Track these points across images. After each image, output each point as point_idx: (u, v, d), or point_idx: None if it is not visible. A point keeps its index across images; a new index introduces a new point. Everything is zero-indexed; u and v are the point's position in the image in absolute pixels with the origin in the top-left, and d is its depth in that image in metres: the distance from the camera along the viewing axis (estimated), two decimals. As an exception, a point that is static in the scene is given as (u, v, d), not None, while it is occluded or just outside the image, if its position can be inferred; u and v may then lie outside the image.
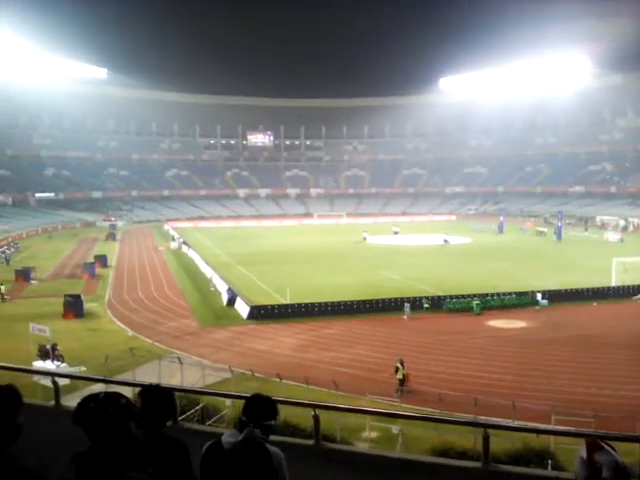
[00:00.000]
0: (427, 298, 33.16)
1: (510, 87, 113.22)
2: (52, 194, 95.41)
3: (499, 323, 30.23)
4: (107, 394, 2.55)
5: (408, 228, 77.15)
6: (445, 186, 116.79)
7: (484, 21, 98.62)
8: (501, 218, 75.37)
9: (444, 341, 27.03)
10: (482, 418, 12.21)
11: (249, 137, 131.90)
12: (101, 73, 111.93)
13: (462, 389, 19.50)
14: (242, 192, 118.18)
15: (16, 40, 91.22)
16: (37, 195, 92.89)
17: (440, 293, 34.46)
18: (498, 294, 34.16)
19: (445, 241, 62.44)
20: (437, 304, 32.95)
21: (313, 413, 5.53)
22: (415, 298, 32.91)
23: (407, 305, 31.31)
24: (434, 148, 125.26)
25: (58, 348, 23.09)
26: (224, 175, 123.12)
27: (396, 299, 32.80)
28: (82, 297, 33.32)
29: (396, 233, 71.86)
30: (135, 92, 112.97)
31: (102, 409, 2.46)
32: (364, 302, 32.67)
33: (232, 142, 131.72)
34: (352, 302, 32.61)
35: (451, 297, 33.52)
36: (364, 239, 66.29)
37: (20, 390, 2.59)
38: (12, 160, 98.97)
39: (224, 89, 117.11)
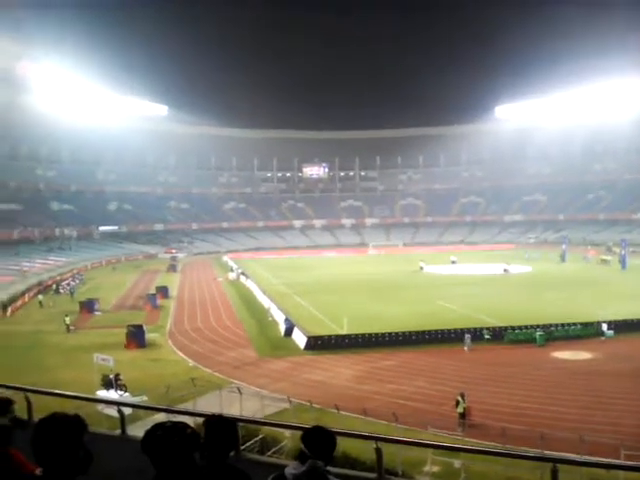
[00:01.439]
0: (488, 329, 32.41)
1: (568, 114, 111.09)
2: (115, 227, 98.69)
3: (564, 354, 29.20)
4: (174, 424, 2.61)
5: (466, 257, 75.92)
6: (503, 214, 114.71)
7: (540, 48, 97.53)
8: (563, 246, 73.25)
9: (506, 373, 26.28)
10: (549, 453, 11.75)
11: (304, 169, 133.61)
12: (162, 110, 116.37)
13: (526, 423, 18.84)
14: (298, 223, 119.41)
15: (80, 79, 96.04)
16: (101, 228, 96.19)
17: (501, 323, 33.62)
18: (562, 324, 33.06)
19: (505, 270, 61.04)
20: (498, 335, 32.13)
21: (375, 446, 5.46)
22: (475, 329, 32.21)
23: (467, 336, 30.64)
24: (491, 176, 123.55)
25: (121, 378, 23.59)
26: (280, 207, 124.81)
27: (456, 330, 32.17)
28: (144, 327, 34.06)
29: (454, 262, 70.80)
30: (195, 128, 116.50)
31: (168, 438, 2.52)
32: (422, 333, 32.18)
33: (288, 175, 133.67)
34: (410, 333, 32.18)
35: (513, 328, 32.66)
36: (421, 268, 65.56)
37: (86, 419, 2.66)
38: (77, 195, 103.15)
39: (280, 123, 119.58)
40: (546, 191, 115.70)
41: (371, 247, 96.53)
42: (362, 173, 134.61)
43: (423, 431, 16.96)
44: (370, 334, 31.96)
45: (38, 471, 2.52)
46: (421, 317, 36.98)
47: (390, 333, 32.06)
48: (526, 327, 32.60)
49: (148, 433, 2.55)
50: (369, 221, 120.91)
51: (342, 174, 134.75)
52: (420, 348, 30.56)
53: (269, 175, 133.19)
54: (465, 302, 41.89)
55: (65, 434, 2.49)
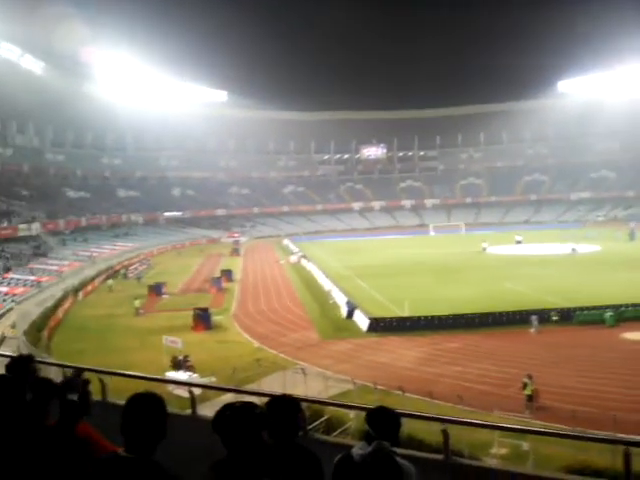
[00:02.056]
0: (555, 310, 31.59)
1: (636, 87, 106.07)
2: (179, 213, 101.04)
3: (635, 335, 28.18)
4: (243, 404, 2.67)
5: (532, 236, 73.94)
6: (570, 192, 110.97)
7: (605, 19, 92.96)
8: (632, 224, 70.36)
9: (575, 355, 25.61)
10: (621, 435, 11.41)
11: (362, 151, 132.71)
12: (222, 96, 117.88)
13: (597, 405, 18.36)
14: (356, 205, 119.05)
15: (142, 66, 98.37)
16: (165, 214, 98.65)
17: (569, 304, 32.66)
18: (633, 305, 31.84)
19: (573, 250, 59.09)
20: (566, 316, 31.25)
21: (442, 427, 5.44)
22: (542, 310, 31.42)
23: (534, 318, 29.93)
24: (556, 153, 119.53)
25: (189, 359, 24.29)
26: (338, 189, 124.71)
27: (521, 311, 31.46)
28: (210, 310, 34.90)
29: (519, 242, 69.14)
30: (253, 113, 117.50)
31: (238, 418, 2.58)
32: (487, 315, 31.66)
33: (346, 157, 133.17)
34: (474, 315, 31.73)
35: (581, 309, 31.70)
36: (484, 249, 64.37)
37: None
38: (141, 181, 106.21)
39: (337, 105, 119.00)
40: (614, 168, 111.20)
41: (432, 228, 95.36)
42: (421, 153, 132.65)
43: (489, 413, 16.74)
44: (433, 316, 31.70)
45: (120, 450, 2.62)
46: (485, 299, 36.37)
47: (454, 315, 31.71)
48: (595, 308, 31.59)
49: (219, 413, 2.63)
50: (429, 202, 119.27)
51: (401, 154, 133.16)
52: (485, 330, 30.08)
53: (327, 158, 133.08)
54: (531, 283, 40.93)
55: (155, 412, 2.61)
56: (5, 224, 57.81)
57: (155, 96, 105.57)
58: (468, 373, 23.63)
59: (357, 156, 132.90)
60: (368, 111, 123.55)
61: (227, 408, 2.65)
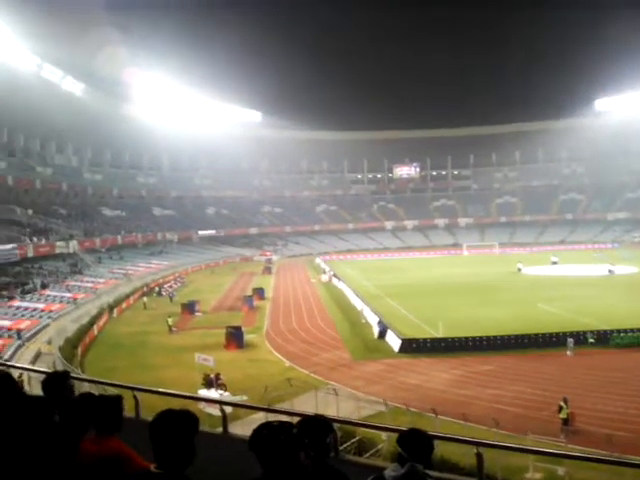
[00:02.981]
0: (592, 332, 30.88)
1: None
2: (213, 231, 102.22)
3: (675, 359, 27.36)
4: (281, 423, 2.66)
5: (568, 257, 72.64)
6: (607, 212, 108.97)
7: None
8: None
9: (612, 378, 24.93)
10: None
11: (395, 170, 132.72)
12: (256, 116, 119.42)
13: (633, 430, 17.83)
14: (389, 224, 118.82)
15: (178, 87, 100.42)
16: (200, 232, 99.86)
17: (606, 327, 31.91)
18: (674, 328, 30.99)
19: (610, 271, 57.85)
20: (603, 339, 30.52)
21: (475, 451, 5.35)
22: (578, 332, 30.76)
23: (570, 340, 29.29)
24: (592, 172, 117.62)
25: (221, 377, 24.35)
26: (371, 208, 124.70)
27: (557, 333, 30.82)
28: (242, 328, 35.01)
29: (554, 263, 67.97)
30: (287, 133, 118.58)
31: (275, 437, 2.58)
32: (522, 336, 31.08)
33: (378, 176, 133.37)
34: (509, 336, 31.16)
35: (619, 331, 30.92)
36: (519, 270, 63.42)
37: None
38: (177, 200, 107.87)
39: (370, 124, 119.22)
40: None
41: (465, 248, 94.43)
42: (455, 172, 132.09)
43: (524, 437, 16.35)
44: (467, 338, 31.24)
45: (152, 467, 2.64)
46: (520, 320, 35.75)
47: (488, 337, 31.19)
48: (632, 330, 30.77)
49: (256, 432, 2.62)
50: (463, 221, 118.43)
51: (434, 173, 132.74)
52: (520, 352, 29.51)
53: (359, 177, 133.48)
54: (567, 304, 40.11)
55: (181, 429, 2.62)
56: (43, 242, 59.14)
57: (190, 116, 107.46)
58: (502, 396, 23.19)
59: (390, 175, 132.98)
60: (401, 130, 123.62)
61: (264, 427, 2.65)
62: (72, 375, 4.27)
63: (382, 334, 34.33)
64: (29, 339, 34.05)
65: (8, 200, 70.67)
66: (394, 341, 32.21)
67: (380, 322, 36.03)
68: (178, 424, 2.63)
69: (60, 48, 70.69)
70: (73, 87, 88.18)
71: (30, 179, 79.74)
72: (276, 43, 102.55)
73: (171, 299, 52.47)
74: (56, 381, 3.97)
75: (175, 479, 2.57)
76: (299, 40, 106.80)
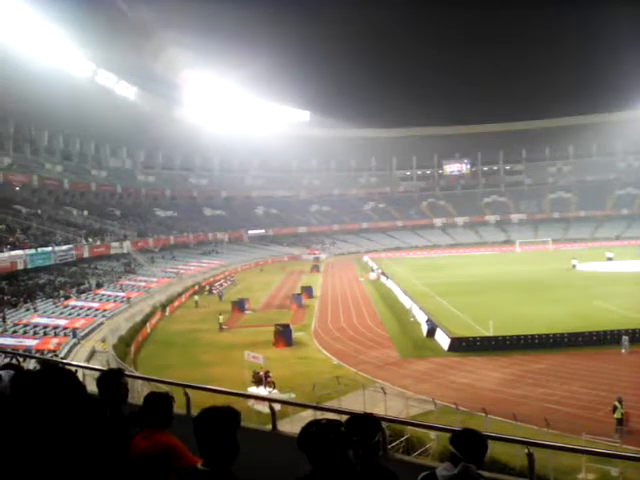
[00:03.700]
0: (649, 330, 29.87)
1: None
2: (262, 231, 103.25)
3: None
4: (329, 421, 2.68)
5: (624, 253, 70.38)
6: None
7: None
8: None
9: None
10: None
11: (445, 166, 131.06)
12: (304, 116, 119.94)
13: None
14: (439, 221, 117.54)
15: (228, 88, 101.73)
16: (249, 232, 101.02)
17: (664, 325, 30.80)
18: None
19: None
20: (661, 337, 29.51)
21: (527, 451, 5.27)
22: (634, 330, 29.77)
23: (625, 338, 28.39)
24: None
25: (270, 375, 24.57)
26: (420, 205, 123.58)
27: (612, 331, 29.92)
28: (291, 326, 35.26)
29: (610, 259, 65.99)
30: (335, 131, 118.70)
31: (324, 435, 2.59)
32: (576, 334, 30.30)
33: (428, 172, 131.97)
34: (562, 334, 30.43)
35: (678, 329, 29.83)
36: (573, 266, 61.83)
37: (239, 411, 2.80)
38: (227, 201, 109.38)
39: (419, 121, 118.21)
40: None
41: (518, 244, 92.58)
42: (507, 167, 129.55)
43: (577, 437, 15.95)
44: (519, 336, 30.64)
45: (199, 464, 2.68)
46: (574, 318, 34.87)
47: (540, 335, 30.54)
48: (694, 329, 29.66)
49: (304, 429, 2.64)
50: (515, 217, 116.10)
51: (485, 169, 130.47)
52: (573, 351, 28.78)
53: (408, 174, 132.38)
54: (623, 302, 38.87)
55: (223, 425, 2.66)
56: (98, 242, 60.84)
57: (241, 117, 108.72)
58: (555, 395, 22.66)
59: (439, 171, 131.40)
60: (450, 126, 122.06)
61: (313, 425, 2.66)
62: (125, 373, 4.39)
63: (431, 332, 34.02)
64: (84, 337, 35.04)
65: (65, 202, 73.11)
66: (443, 340, 31.87)
67: (429, 320, 35.70)
68: (220, 420, 2.65)
69: (114, 53, 72.65)
70: (127, 91, 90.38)
71: (86, 182, 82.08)
72: (325, 43, 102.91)
73: (220, 298, 53.18)
74: (110, 379, 4.07)
75: (221, 476, 2.59)
76: (347, 39, 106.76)
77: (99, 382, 4.03)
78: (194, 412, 7.26)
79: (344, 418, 3.28)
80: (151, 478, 3.17)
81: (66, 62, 74.45)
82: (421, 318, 37.62)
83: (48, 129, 79.17)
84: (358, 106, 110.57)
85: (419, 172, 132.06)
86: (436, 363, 28.63)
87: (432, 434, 14.70)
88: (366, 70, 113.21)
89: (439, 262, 77.12)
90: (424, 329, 35.03)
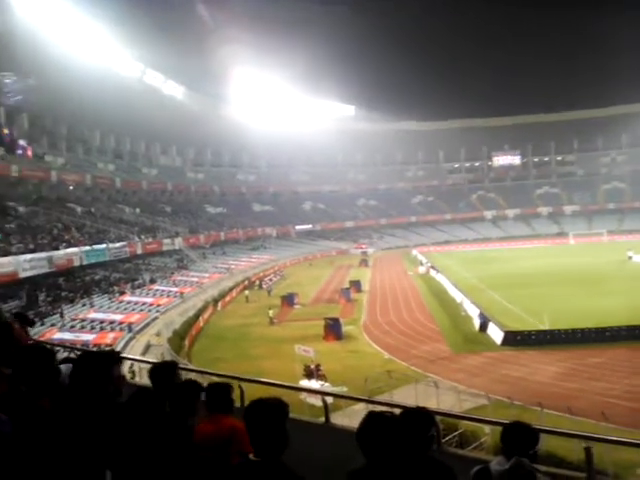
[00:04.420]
0: None
1: None
2: (310, 226, 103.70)
3: None
4: (382, 413, 2.68)
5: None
6: None
7: None
8: None
9: None
10: None
11: (494, 158, 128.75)
12: (349, 110, 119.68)
13: None
14: (489, 214, 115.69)
15: (274, 84, 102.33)
16: (297, 227, 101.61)
17: None
18: None
19: None
20: None
21: (584, 445, 5.16)
22: (697, 322, 28.72)
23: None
24: None
25: (321, 368, 24.67)
26: (469, 198, 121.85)
27: (673, 324, 28.96)
28: (340, 320, 35.33)
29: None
30: (380, 125, 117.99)
31: (381, 428, 2.59)
32: (634, 327, 29.36)
33: (476, 164, 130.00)
34: (620, 327, 29.56)
35: None
36: (629, 258, 59.91)
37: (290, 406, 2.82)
38: (274, 196, 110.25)
39: (466, 112, 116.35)
40: None
41: (571, 236, 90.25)
42: (558, 158, 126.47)
43: (636, 431, 15.48)
44: (574, 329, 29.91)
45: (251, 455, 2.72)
46: (631, 310, 33.71)
47: (597, 328, 29.73)
48: None
49: (363, 423, 2.65)
50: (568, 208, 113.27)
51: (536, 160, 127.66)
52: (632, 344, 27.86)
53: (456, 166, 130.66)
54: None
55: (272, 416, 2.68)
56: (151, 239, 62.21)
57: (286, 113, 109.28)
58: (613, 389, 22.05)
59: (489, 163, 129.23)
60: (500, 117, 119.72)
61: (372, 417, 2.67)
62: (180, 366, 4.50)
63: (483, 327, 33.54)
64: (139, 332, 35.96)
65: (117, 200, 75.05)
66: (496, 334, 31.39)
67: (481, 314, 35.21)
68: (268, 412, 2.68)
69: (161, 53, 73.98)
70: (174, 90, 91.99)
71: (137, 180, 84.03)
72: (370, 37, 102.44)
73: (269, 293, 53.54)
74: (164, 371, 4.18)
75: (272, 467, 2.61)
76: (390, 30, 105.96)
77: (152, 374, 4.14)
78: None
79: (397, 412, 3.27)
80: (216, 459, 3.27)
81: (115, 63, 76.37)
82: (473, 312, 37.13)
83: (100, 129, 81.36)
84: (403, 99, 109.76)
85: (467, 164, 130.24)
86: (489, 357, 28.24)
87: (486, 428, 14.52)
88: (412, 62, 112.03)
89: (490, 255, 75.87)
90: (476, 323, 34.59)
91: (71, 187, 68.65)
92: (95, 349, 23.61)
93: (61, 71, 60.07)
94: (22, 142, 64.23)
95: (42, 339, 25.44)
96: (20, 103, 63.55)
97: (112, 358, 3.27)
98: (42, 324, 33.70)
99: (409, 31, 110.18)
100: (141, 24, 67.69)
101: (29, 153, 64.86)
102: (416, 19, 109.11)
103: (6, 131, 62.26)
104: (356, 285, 52.15)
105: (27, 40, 55.76)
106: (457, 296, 44.11)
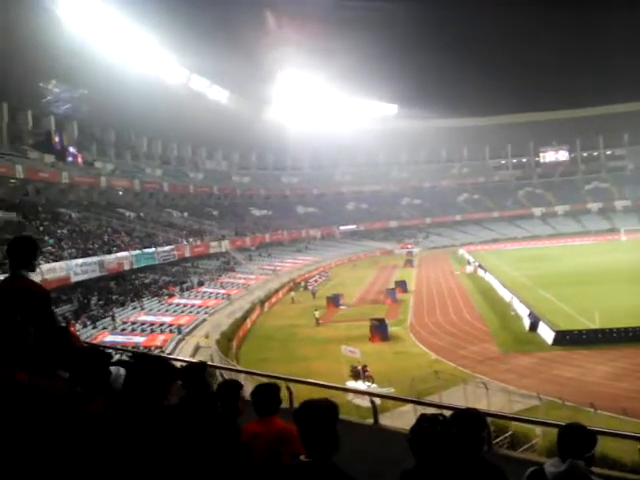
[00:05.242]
0: None
1: None
2: (354, 226, 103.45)
3: None
4: (435, 416, 2.69)
5: None
6: None
7: None
8: None
9: None
10: None
11: (541, 153, 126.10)
12: (392, 109, 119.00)
13: None
14: (537, 211, 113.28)
15: (316, 85, 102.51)
16: (341, 228, 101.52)
17: None
18: None
19: None
20: None
21: (639, 446, 5.05)
22: None
23: None
24: None
25: (368, 369, 24.64)
26: (517, 195, 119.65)
27: None
28: (386, 321, 35.19)
29: None
30: (423, 122, 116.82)
31: (431, 430, 2.60)
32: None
33: (524, 160, 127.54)
34: (677, 326, 28.60)
35: None
36: (686, 254, 57.85)
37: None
38: (318, 198, 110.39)
39: (512, 108, 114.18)
40: None
41: (623, 233, 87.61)
42: (608, 152, 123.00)
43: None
44: (626, 328, 29.07)
45: (302, 456, 2.76)
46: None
47: (652, 327, 28.84)
48: None
49: (415, 425, 2.67)
50: (619, 204, 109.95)
51: (584, 154, 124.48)
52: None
53: (503, 162, 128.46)
54: None
55: (323, 417, 2.71)
56: (198, 242, 63.21)
57: (328, 114, 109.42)
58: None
59: (536, 159, 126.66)
60: (546, 112, 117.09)
61: (423, 420, 2.69)
62: (229, 367, 4.61)
63: (533, 326, 32.92)
64: (188, 334, 36.59)
65: (165, 205, 76.53)
66: (547, 333, 30.77)
67: (531, 314, 34.56)
68: (319, 413, 2.71)
69: (206, 58, 75.13)
70: (219, 95, 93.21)
71: (184, 184, 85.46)
72: (410, 34, 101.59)
73: (314, 295, 53.14)
74: (194, 372, 4.29)
75: (323, 467, 2.64)
76: (433, 28, 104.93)
77: (184, 374, 4.24)
78: (296, 405, 7.42)
79: (445, 413, 3.27)
80: (267, 461, 3.33)
81: (162, 70, 77.91)
82: (522, 311, 36.47)
83: (147, 135, 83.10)
84: (446, 96, 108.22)
85: (514, 160, 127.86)
86: (539, 357, 27.72)
87: (537, 429, 14.25)
88: (454, 58, 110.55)
89: (539, 253, 74.32)
90: (526, 323, 33.98)
91: (120, 192, 70.38)
92: (147, 352, 24.11)
93: (109, 80, 61.66)
94: (72, 149, 66.21)
95: (94, 342, 26.17)
96: (70, 112, 65.46)
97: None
98: (94, 327, 34.68)
99: (452, 27, 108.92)
100: (186, 30, 68.90)
101: (79, 160, 66.81)
102: (459, 14, 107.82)
103: (56, 139, 64.25)
104: (402, 285, 51.86)
105: (76, 50, 57.39)
106: (506, 295, 43.42)
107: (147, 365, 3.15)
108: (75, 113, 66.28)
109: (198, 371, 4.33)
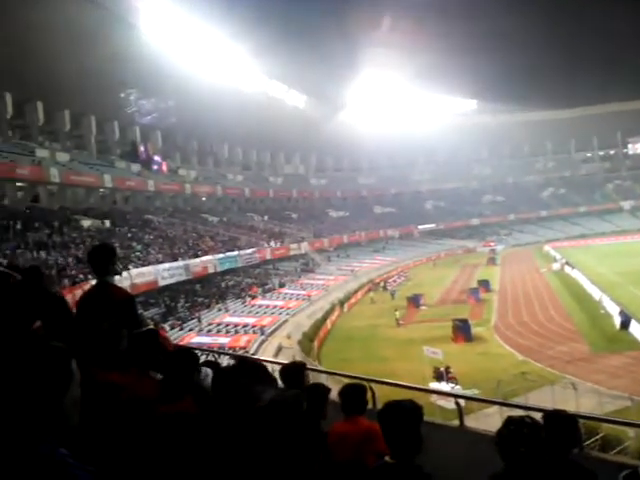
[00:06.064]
0: None
1: None
2: (432, 225, 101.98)
3: None
4: (522, 418, 2.68)
5: None
6: None
7: None
8: None
9: None
10: None
11: (630, 145, 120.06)
12: (470, 104, 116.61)
13: None
14: (627, 204, 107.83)
15: (391, 83, 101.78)
16: (419, 227, 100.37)
17: None
18: None
19: None
20: None
21: None
22: None
23: None
24: None
25: (451, 370, 24.28)
26: (605, 188, 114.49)
27: None
28: (469, 321, 34.54)
29: None
30: (504, 117, 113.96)
31: (519, 433, 2.60)
32: None
33: (612, 152, 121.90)
34: None
35: None
36: None
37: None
38: (395, 197, 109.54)
39: (596, 98, 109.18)
40: None
41: None
42: None
43: None
44: None
45: (387, 457, 2.80)
46: None
47: None
48: None
49: (503, 428, 2.67)
50: None
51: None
52: None
53: (589, 155, 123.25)
54: None
55: (407, 418, 2.75)
56: (279, 245, 64.29)
57: (404, 112, 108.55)
58: None
59: (624, 150, 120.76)
60: (633, 101, 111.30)
61: (510, 422, 2.69)
62: (312, 367, 4.72)
63: (625, 325, 31.44)
64: (271, 334, 37.30)
65: (247, 209, 78.32)
66: (639, 332, 29.31)
67: (622, 312, 33.01)
68: (403, 414, 2.74)
69: (283, 63, 76.29)
70: (296, 100, 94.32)
71: (264, 189, 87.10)
72: (488, 27, 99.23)
73: (392, 296, 52.02)
74: (294, 371, 4.41)
75: (409, 469, 2.67)
76: (513, 20, 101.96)
77: (283, 374, 4.37)
78: (379, 406, 7.44)
79: (534, 415, 3.23)
80: (352, 460, 3.41)
81: (241, 78, 79.58)
82: (613, 310, 34.91)
83: (228, 142, 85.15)
84: (528, 88, 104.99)
85: (601, 153, 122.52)
86: (632, 357, 26.43)
87: (630, 432, 13.64)
88: (535, 50, 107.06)
89: (629, 248, 70.69)
90: (616, 321, 32.51)
91: (204, 198, 72.64)
92: (232, 352, 24.76)
93: (190, 89, 63.62)
94: (157, 158, 68.83)
95: (182, 343, 27.13)
96: (154, 122, 68.04)
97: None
98: (181, 329, 35.99)
99: (533, 18, 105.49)
100: (266, 38, 70.13)
101: (164, 168, 69.40)
102: (542, 6, 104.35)
103: (141, 148, 67.00)
104: (485, 284, 50.59)
105: (158, 62, 59.43)
106: (595, 293, 41.67)
107: (247, 369, 3.29)
108: (160, 123, 68.81)
109: (297, 371, 4.45)
